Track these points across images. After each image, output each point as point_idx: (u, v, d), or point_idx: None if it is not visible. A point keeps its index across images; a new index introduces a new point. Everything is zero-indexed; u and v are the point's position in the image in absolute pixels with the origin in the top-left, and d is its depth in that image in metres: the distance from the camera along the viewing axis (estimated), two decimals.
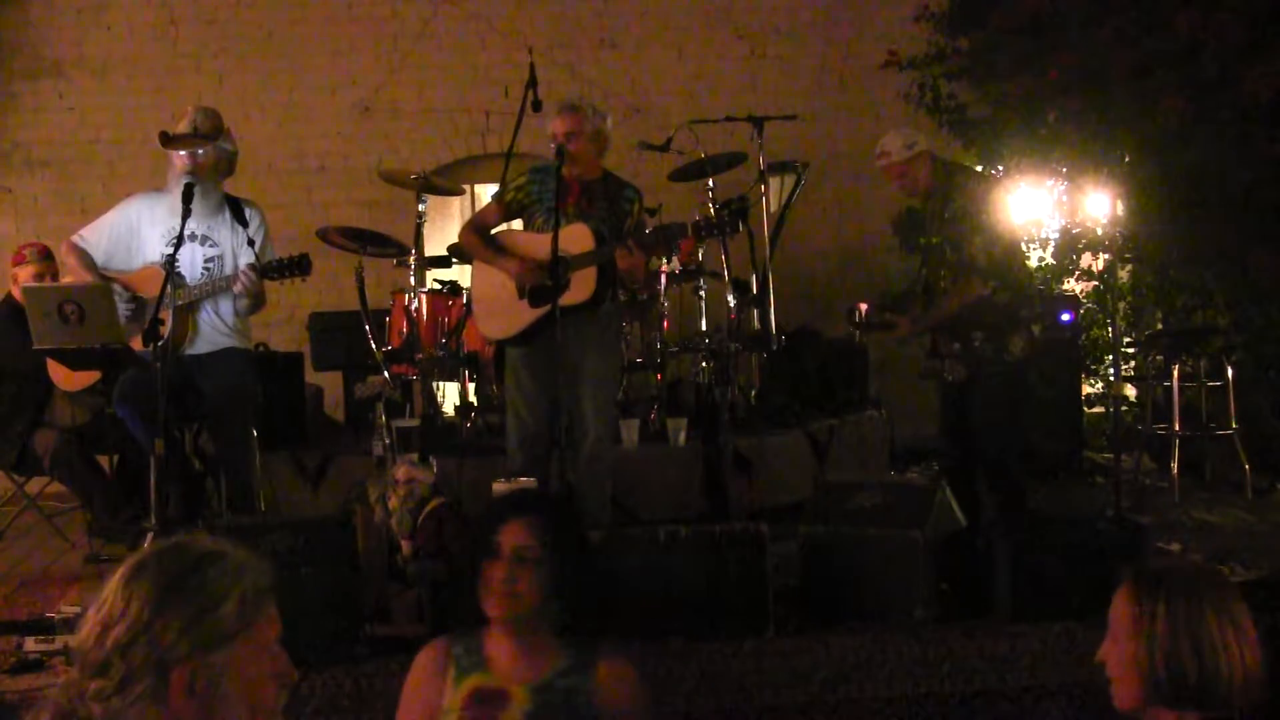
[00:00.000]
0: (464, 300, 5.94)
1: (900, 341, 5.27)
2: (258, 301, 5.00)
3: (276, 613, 1.73)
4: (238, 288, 4.79)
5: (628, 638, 3.83)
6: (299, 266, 4.76)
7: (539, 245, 4.69)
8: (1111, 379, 7.42)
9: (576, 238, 4.73)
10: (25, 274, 5.68)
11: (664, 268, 6.19)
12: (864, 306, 4.97)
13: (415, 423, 5.51)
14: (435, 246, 7.02)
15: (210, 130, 4.91)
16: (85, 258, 4.94)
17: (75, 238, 5.00)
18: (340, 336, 6.71)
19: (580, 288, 4.73)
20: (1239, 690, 1.90)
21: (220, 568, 1.69)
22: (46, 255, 5.77)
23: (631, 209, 4.94)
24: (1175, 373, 6.57)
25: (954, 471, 4.97)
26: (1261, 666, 1.94)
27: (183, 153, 4.86)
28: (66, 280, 5.26)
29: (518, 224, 5.12)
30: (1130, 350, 7.49)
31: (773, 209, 6.69)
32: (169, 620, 1.61)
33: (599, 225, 4.80)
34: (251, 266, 4.79)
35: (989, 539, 4.23)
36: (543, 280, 4.65)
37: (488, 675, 2.55)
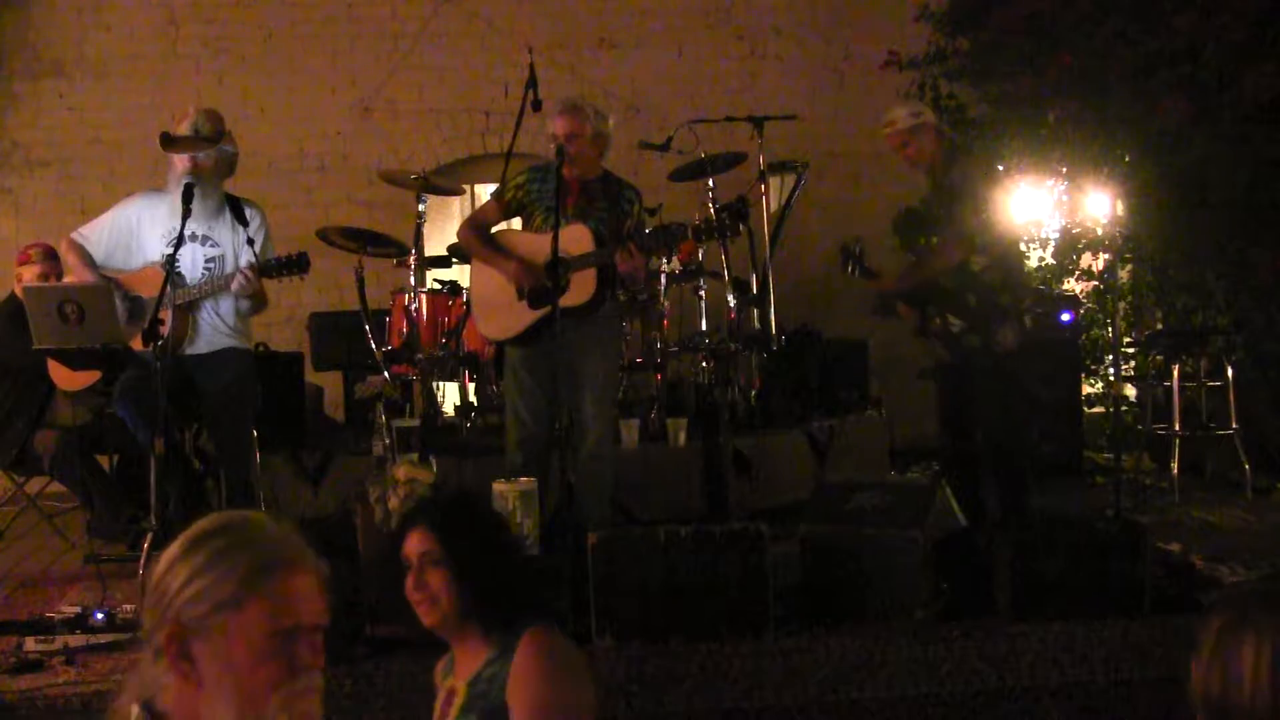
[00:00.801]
0: (464, 300, 5.94)
1: (888, 302, 5.26)
2: (259, 302, 4.99)
3: (311, 595, 1.62)
4: (234, 287, 4.78)
5: (628, 638, 3.89)
6: (298, 265, 4.75)
7: (538, 246, 4.68)
8: (1111, 379, 7.42)
9: (576, 239, 4.72)
10: (30, 274, 5.67)
11: (664, 268, 6.18)
12: (858, 250, 5.01)
13: (415, 423, 5.50)
14: (435, 246, 7.01)
15: (211, 132, 4.90)
16: (84, 254, 4.92)
17: (75, 235, 4.99)
18: (340, 336, 6.70)
19: (580, 289, 4.73)
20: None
21: (236, 533, 1.64)
22: (51, 255, 5.76)
23: (632, 210, 4.93)
24: (1175, 373, 6.57)
25: (954, 471, 4.97)
26: None
27: (184, 154, 4.86)
28: (67, 280, 5.26)
29: (517, 223, 5.12)
30: (1130, 350, 7.49)
31: (773, 209, 6.69)
32: (174, 577, 1.61)
33: (599, 226, 4.79)
34: (251, 267, 4.78)
35: (989, 538, 4.24)
36: (542, 282, 4.65)
37: (452, 677, 2.66)
